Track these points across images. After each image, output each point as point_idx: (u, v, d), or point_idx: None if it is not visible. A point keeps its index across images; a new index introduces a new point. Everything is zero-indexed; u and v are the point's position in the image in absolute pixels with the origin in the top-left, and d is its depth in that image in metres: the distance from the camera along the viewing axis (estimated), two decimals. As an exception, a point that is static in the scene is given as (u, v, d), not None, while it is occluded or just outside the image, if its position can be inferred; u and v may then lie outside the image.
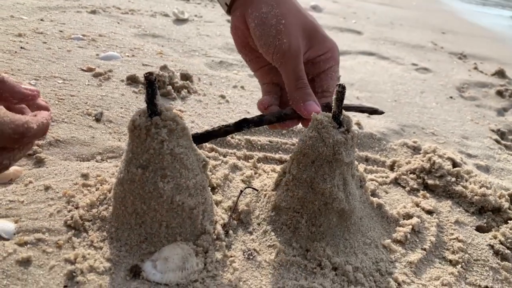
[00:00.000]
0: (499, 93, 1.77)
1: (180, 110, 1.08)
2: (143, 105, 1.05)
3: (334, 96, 0.67)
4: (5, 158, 0.55)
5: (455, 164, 1.03)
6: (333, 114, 0.68)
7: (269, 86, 0.77)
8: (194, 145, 0.65)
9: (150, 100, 0.59)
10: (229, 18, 2.06)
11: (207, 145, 0.95)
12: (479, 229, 0.88)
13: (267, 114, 0.72)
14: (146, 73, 0.57)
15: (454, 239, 0.82)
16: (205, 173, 0.67)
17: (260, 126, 0.71)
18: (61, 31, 1.43)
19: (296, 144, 0.71)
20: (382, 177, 0.99)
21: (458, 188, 0.95)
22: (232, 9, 0.74)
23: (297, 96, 0.68)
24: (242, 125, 0.69)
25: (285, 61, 0.68)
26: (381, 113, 0.81)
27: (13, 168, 0.73)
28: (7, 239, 0.60)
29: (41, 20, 1.49)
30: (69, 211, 0.67)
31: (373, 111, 0.81)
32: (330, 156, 0.66)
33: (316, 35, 0.71)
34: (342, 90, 0.66)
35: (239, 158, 0.95)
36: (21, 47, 1.22)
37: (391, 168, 1.05)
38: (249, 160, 0.94)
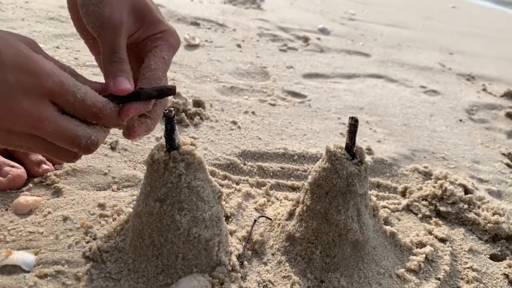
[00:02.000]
0: (509, 115, 1.77)
1: (193, 137, 1.09)
2: (157, 133, 1.07)
3: (347, 129, 0.68)
4: (92, 133, 0.54)
5: (467, 191, 1.03)
6: (346, 145, 0.70)
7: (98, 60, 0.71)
8: (210, 176, 0.67)
9: (169, 135, 0.61)
10: (240, 42, 2.11)
11: (220, 172, 0.96)
12: (493, 257, 0.88)
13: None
14: (165, 109, 0.59)
15: (469, 268, 0.82)
16: (220, 204, 0.69)
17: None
18: (76, 59, 1.46)
19: (310, 175, 0.72)
20: (394, 204, 0.99)
21: (471, 215, 0.95)
22: None
23: (110, 70, 0.60)
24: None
25: (103, 32, 0.61)
26: (173, 93, 0.64)
27: (32, 199, 0.75)
28: (28, 271, 0.61)
29: (57, 47, 1.53)
30: (87, 242, 0.68)
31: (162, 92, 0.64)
32: (344, 188, 0.67)
33: (148, 15, 0.66)
34: (354, 123, 0.67)
35: (251, 185, 0.96)
36: (38, 75, 1.25)
37: (403, 194, 1.05)
38: (262, 188, 0.95)
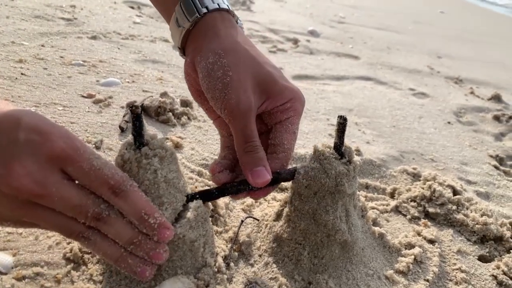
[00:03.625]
0: (496, 118, 1.78)
1: (180, 137, 1.08)
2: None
3: (335, 128, 0.67)
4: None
5: (455, 192, 1.03)
6: (335, 145, 0.69)
7: (227, 140, 0.69)
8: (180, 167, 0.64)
9: (138, 132, 0.58)
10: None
11: (208, 173, 0.95)
12: (482, 258, 0.87)
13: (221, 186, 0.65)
14: (131, 106, 0.56)
15: (457, 269, 0.81)
16: (207, 204, 0.67)
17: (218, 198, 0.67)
18: (61, 57, 1.44)
19: (296, 174, 0.69)
20: (383, 205, 0.99)
21: (459, 216, 0.95)
22: (186, 53, 0.68)
23: (246, 161, 0.59)
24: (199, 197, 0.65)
25: (233, 119, 0.59)
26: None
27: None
28: (5, 273, 0.59)
29: (42, 46, 1.50)
30: (68, 243, 0.66)
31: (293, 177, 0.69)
32: (333, 188, 0.66)
33: (274, 86, 0.62)
34: (343, 121, 0.66)
35: (239, 186, 0.95)
36: (22, 73, 1.23)
37: (392, 195, 1.05)
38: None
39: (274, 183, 0.63)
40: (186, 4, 0.64)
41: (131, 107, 0.55)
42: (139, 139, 0.58)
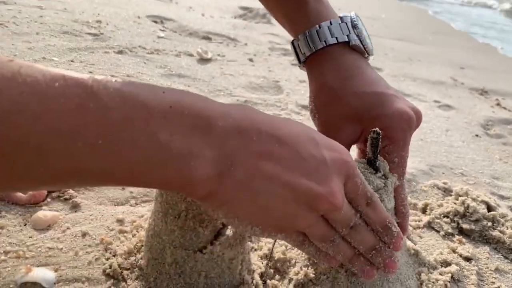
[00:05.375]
0: (525, 131, 1.74)
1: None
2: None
3: (368, 142, 0.66)
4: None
5: (489, 208, 1.01)
6: (368, 159, 0.68)
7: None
8: None
9: None
10: (251, 57, 2.11)
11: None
12: (521, 277, 0.85)
13: None
14: None
15: (496, 288, 0.79)
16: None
17: None
18: (90, 72, 1.47)
19: None
20: (415, 221, 0.97)
21: (495, 233, 0.93)
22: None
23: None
24: None
25: None
26: None
27: (50, 213, 0.74)
28: (48, 289, 0.60)
29: (72, 61, 1.54)
30: (107, 259, 0.67)
31: None
32: (371, 205, 0.65)
33: (366, 115, 0.65)
34: (376, 136, 0.65)
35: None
36: (54, 89, 1.25)
37: (423, 211, 1.03)
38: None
39: None
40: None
41: None
42: None
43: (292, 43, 0.71)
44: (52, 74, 0.34)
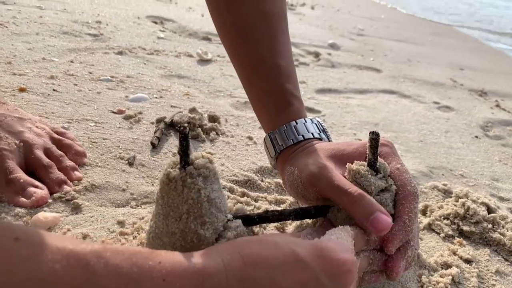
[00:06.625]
0: (525, 132, 1.75)
1: (210, 153, 1.08)
2: (174, 149, 1.06)
3: (368, 144, 0.66)
4: None
5: (489, 210, 1.01)
6: (369, 161, 0.68)
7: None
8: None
9: (184, 152, 0.59)
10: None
11: (239, 189, 0.95)
12: (521, 279, 0.85)
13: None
14: (179, 127, 0.58)
15: (497, 290, 0.79)
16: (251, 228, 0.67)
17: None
18: (90, 73, 1.46)
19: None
20: (416, 223, 0.97)
21: (496, 235, 0.93)
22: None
23: (356, 211, 0.60)
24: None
25: (317, 184, 0.67)
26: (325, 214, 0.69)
27: (51, 215, 0.73)
28: (49, 292, 0.59)
29: (71, 62, 1.54)
30: None
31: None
32: (373, 207, 0.65)
33: (343, 151, 0.71)
34: (376, 137, 0.65)
35: (270, 202, 0.94)
36: (54, 90, 1.25)
37: (423, 213, 1.03)
38: (281, 205, 0.94)
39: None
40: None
41: (179, 127, 0.56)
42: (185, 159, 0.58)
43: (269, 135, 0.78)
44: (54, 253, 0.36)
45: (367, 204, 0.59)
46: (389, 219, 0.57)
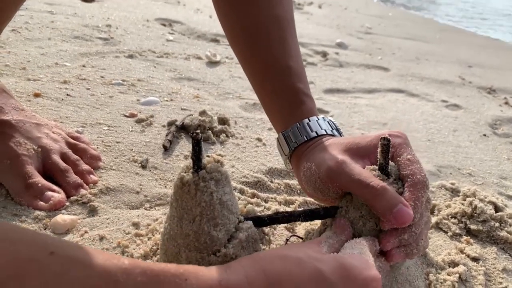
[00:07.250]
0: (534, 130, 1.75)
1: (220, 155, 1.11)
2: (186, 151, 1.09)
3: (379, 149, 0.68)
4: None
5: (497, 208, 1.02)
6: (380, 166, 0.69)
7: None
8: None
9: (197, 156, 0.61)
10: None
11: (249, 190, 0.97)
12: (528, 277, 0.86)
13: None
14: (192, 133, 0.60)
15: (504, 288, 0.81)
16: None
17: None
18: (102, 77, 1.50)
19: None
20: (423, 222, 0.99)
21: (503, 234, 0.94)
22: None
23: (379, 205, 0.61)
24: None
25: (337, 180, 0.67)
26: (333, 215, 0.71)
27: (69, 218, 0.76)
28: (69, 291, 0.62)
29: (83, 66, 1.57)
30: (124, 262, 0.69)
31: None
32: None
33: (358, 144, 0.71)
34: (387, 143, 0.67)
35: (280, 203, 0.97)
36: (67, 94, 1.29)
37: (431, 212, 1.04)
38: (290, 205, 0.96)
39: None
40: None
41: (192, 133, 0.59)
42: (197, 163, 0.61)
43: (282, 134, 0.79)
44: (86, 269, 0.37)
45: (390, 197, 0.59)
46: (411, 212, 0.58)
